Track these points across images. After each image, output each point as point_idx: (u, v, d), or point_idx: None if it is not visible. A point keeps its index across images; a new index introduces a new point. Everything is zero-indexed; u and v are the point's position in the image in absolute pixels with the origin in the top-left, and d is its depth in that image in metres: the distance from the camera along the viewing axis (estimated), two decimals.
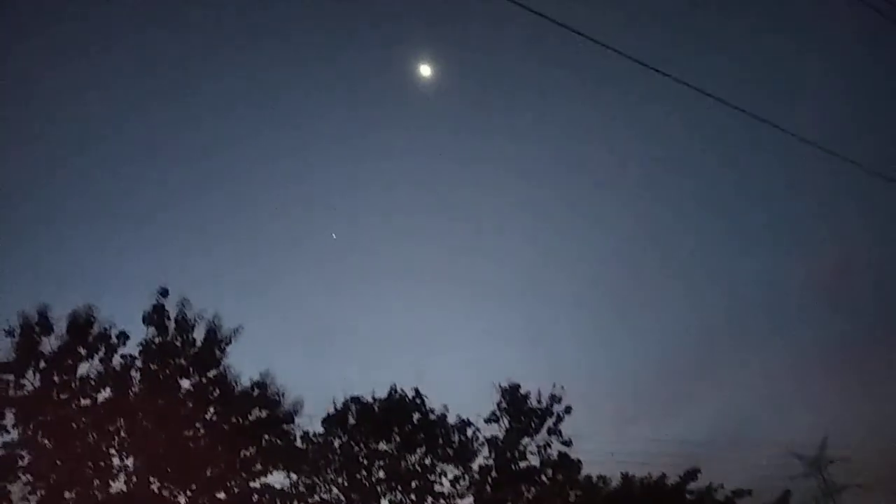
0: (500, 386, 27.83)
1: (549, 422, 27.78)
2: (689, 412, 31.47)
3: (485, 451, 26.82)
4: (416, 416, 25.89)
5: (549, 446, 27.54)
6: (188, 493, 20.63)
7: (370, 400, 25.69)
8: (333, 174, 31.93)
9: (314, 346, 28.14)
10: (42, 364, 19.62)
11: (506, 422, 27.41)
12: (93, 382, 20.18)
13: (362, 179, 32.46)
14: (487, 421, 27.22)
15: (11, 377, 19.30)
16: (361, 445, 25.14)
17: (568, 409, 27.99)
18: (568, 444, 27.64)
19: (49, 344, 19.76)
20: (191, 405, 21.46)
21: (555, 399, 28.02)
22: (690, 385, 32.80)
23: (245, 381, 22.32)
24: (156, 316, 20.98)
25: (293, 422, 23.15)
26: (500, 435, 27.17)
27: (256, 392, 22.51)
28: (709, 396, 31.89)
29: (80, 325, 20.00)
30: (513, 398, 27.70)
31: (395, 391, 25.94)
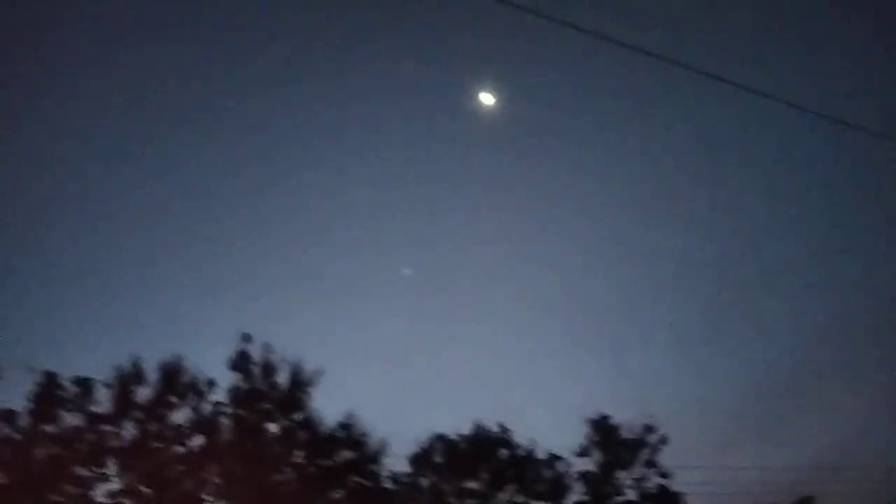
0: (589, 419, 26.74)
1: (645, 453, 26.39)
2: (794, 435, 29.06)
3: (579, 486, 25.72)
4: (503, 451, 25.19)
5: (647, 479, 26.10)
6: None
7: (455, 437, 25.22)
8: (405, 210, 32.19)
9: (395, 384, 27.94)
10: (138, 414, 20.46)
11: (598, 455, 26.23)
12: (186, 430, 20.85)
13: (433, 214, 32.58)
14: (578, 455, 26.12)
15: (111, 427, 20.22)
16: (450, 484, 24.63)
17: (664, 439, 26.54)
18: (666, 475, 26.13)
19: (143, 394, 20.65)
20: (279, 449, 21.79)
21: (649, 428, 26.63)
22: (793, 406, 30.36)
23: (329, 423, 22.52)
24: (240, 361, 21.57)
25: (380, 462, 23.13)
26: (593, 469, 26.00)
27: (342, 434, 22.63)
28: (814, 418, 29.41)
29: (171, 374, 20.79)
30: (603, 430, 26.52)
31: (481, 427, 25.37)
